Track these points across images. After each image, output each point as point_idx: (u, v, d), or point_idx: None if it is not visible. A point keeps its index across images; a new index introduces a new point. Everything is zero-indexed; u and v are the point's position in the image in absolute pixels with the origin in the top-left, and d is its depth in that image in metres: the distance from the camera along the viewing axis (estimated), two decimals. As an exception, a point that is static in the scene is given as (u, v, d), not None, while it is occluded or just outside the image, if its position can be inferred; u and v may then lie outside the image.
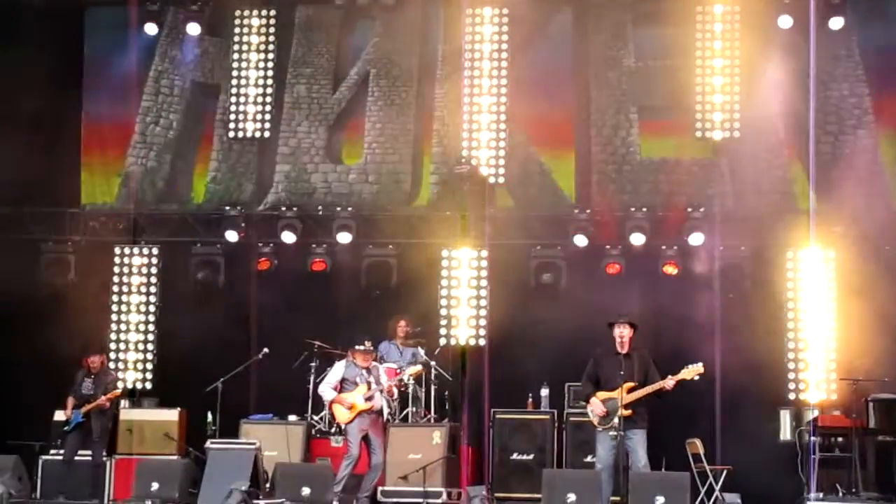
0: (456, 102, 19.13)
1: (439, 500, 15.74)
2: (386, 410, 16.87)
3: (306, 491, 14.97)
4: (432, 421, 17.07)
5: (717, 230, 18.40)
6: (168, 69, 19.94)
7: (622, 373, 14.65)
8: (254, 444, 15.86)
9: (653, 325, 16.41)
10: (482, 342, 18.33)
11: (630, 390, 14.57)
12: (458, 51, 19.09)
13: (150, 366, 18.96)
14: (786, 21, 18.41)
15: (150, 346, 18.98)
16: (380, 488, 15.97)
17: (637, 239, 18.51)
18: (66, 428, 16.45)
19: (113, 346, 18.88)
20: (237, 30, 19.37)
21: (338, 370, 15.84)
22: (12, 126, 18.32)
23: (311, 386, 17.24)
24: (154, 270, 19.12)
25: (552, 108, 19.23)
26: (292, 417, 17.01)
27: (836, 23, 18.43)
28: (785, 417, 17.33)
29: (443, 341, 18.19)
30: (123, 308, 19.04)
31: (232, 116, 19.35)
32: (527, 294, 18.64)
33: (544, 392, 17.27)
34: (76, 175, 19.70)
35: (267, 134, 19.37)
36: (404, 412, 17.19)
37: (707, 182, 18.92)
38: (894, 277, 17.43)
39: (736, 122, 18.32)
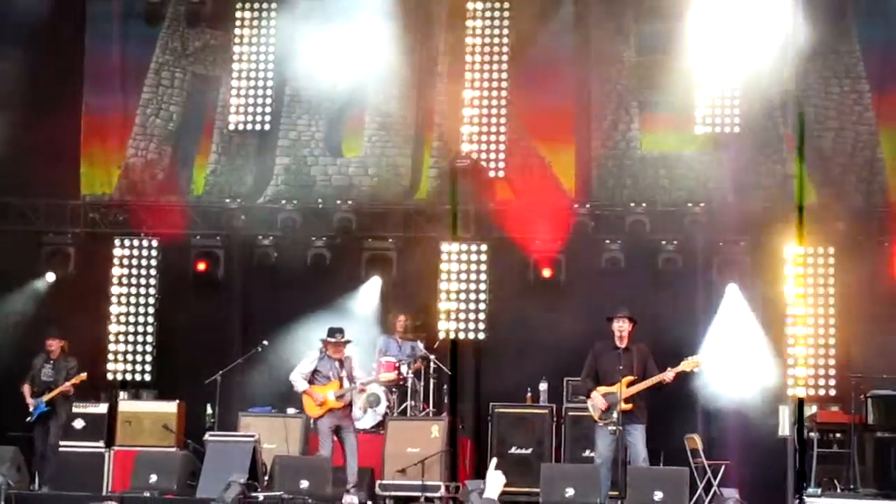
0: (456, 96, 19.12)
1: (437, 494, 15.73)
2: (384, 404, 16.89)
3: (305, 484, 14.96)
4: (431, 415, 17.07)
5: (716, 224, 18.40)
6: (169, 61, 19.93)
7: (621, 367, 14.66)
8: (252, 436, 15.85)
9: (652, 319, 16.40)
10: (481, 336, 18.34)
11: (630, 384, 14.59)
12: (460, 44, 19.08)
13: (148, 358, 18.95)
14: (785, 16, 18.37)
15: (149, 338, 18.97)
16: (378, 481, 15.98)
17: (637, 233, 18.50)
18: (29, 419, 16.41)
19: (112, 337, 18.88)
20: (238, 22, 19.35)
21: (311, 361, 15.86)
22: (12, 117, 18.32)
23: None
24: (153, 262, 19.12)
25: (553, 101, 19.22)
26: (291, 410, 16.99)
27: (837, 18, 18.40)
28: (784, 413, 17.33)
29: (442, 335, 18.20)
30: (122, 300, 19.04)
31: (232, 109, 19.33)
32: (526, 288, 18.64)
33: (543, 386, 17.27)
34: (76, 166, 19.69)
35: (267, 126, 19.36)
36: (403, 406, 17.19)
37: (707, 177, 18.92)
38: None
39: (736, 116, 18.30)
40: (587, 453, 16.03)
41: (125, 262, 19.10)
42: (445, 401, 17.38)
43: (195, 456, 16.11)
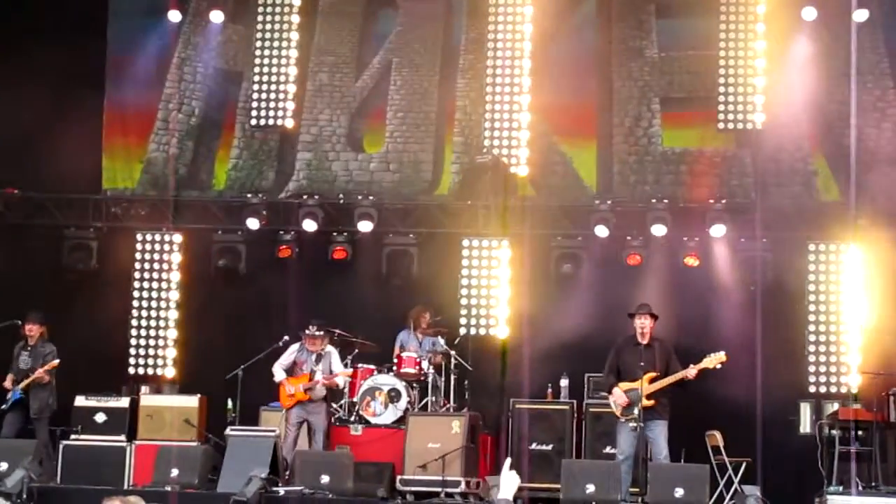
0: (478, 92, 19.12)
1: (458, 490, 15.73)
2: (405, 400, 16.89)
3: (325, 479, 14.98)
4: (451, 410, 17.08)
5: (738, 222, 18.35)
6: (191, 56, 19.95)
7: (643, 363, 14.68)
8: (273, 431, 15.90)
9: (673, 316, 16.38)
10: (502, 332, 18.34)
11: (652, 380, 14.57)
12: (481, 40, 19.08)
13: (170, 352, 19.01)
14: (810, 13, 18.34)
15: (170, 333, 19.02)
16: (399, 477, 16.00)
17: (658, 230, 18.47)
18: (3, 406, 16.43)
19: (134, 332, 18.94)
20: (260, 17, 19.35)
21: (291, 352, 16.08)
22: (35, 112, 18.36)
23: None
24: (175, 257, 19.16)
25: (574, 97, 19.20)
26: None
27: (861, 15, 18.35)
28: (805, 410, 17.30)
29: (463, 331, 18.20)
30: (144, 294, 19.09)
31: (254, 104, 19.35)
32: (547, 284, 18.63)
33: (564, 382, 17.27)
34: (98, 161, 19.73)
35: (289, 122, 19.37)
36: (424, 401, 17.20)
37: (729, 173, 18.88)
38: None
39: (759, 113, 18.26)
40: (608, 450, 16.03)
41: (147, 256, 19.15)
42: (466, 396, 17.38)
43: (216, 450, 16.14)
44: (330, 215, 19.25)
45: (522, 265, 18.49)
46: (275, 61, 19.30)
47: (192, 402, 17.48)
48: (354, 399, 17.07)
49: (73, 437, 17.07)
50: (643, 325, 14.97)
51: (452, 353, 17.39)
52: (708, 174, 18.96)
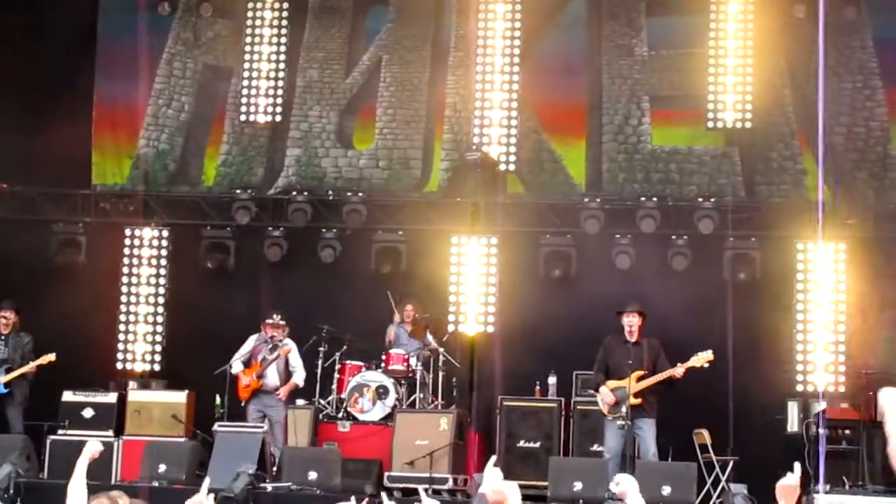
0: (468, 89, 19.13)
1: (445, 487, 15.74)
2: (393, 396, 16.89)
3: (313, 475, 14.98)
4: (440, 407, 17.08)
5: (727, 220, 18.37)
6: (181, 51, 19.94)
7: (631, 361, 14.68)
8: (261, 427, 15.90)
9: (661, 314, 16.39)
10: (491, 329, 18.34)
11: (639, 379, 14.58)
12: (471, 37, 19.07)
13: (158, 348, 18.99)
14: (800, 11, 18.37)
15: (159, 329, 19.01)
16: (387, 473, 16.00)
17: (647, 227, 18.48)
18: None
19: (122, 327, 18.92)
20: (250, 13, 19.33)
21: (248, 343, 16.19)
22: (24, 106, 18.33)
23: (318, 370, 17.27)
24: (164, 252, 19.14)
25: (564, 95, 19.22)
26: (300, 401, 17.02)
27: (850, 13, 18.38)
28: (793, 409, 17.31)
29: (451, 328, 18.20)
30: (133, 290, 19.06)
31: (244, 100, 19.33)
32: (536, 281, 18.63)
33: (552, 380, 17.27)
34: (87, 156, 19.71)
35: (278, 118, 19.36)
36: (412, 398, 17.20)
37: (718, 172, 18.90)
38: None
39: (748, 111, 18.27)
40: (596, 447, 16.03)
41: (135, 252, 19.13)
42: (454, 393, 17.39)
43: (204, 446, 16.13)
44: (319, 211, 19.23)
45: (511, 262, 18.49)
46: (264, 57, 19.28)
47: (179, 397, 17.47)
48: (343, 395, 17.07)
49: (60, 432, 17.05)
50: (631, 322, 14.98)
51: (441, 350, 17.39)
52: (697, 172, 18.98)
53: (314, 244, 19.11)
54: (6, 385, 16.40)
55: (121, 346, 18.86)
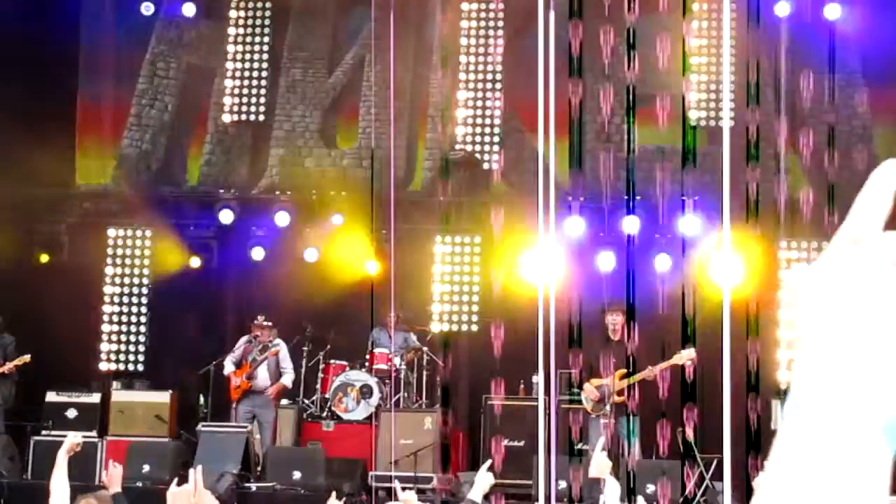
0: (451, 88, 19.14)
1: (430, 486, 15.74)
2: (377, 396, 16.89)
3: (297, 475, 14.97)
4: (423, 406, 17.08)
5: (710, 219, 18.38)
6: (164, 51, 19.91)
7: (614, 359, 14.69)
8: (245, 427, 15.89)
9: (645, 312, 16.40)
10: (474, 328, 18.34)
11: (623, 377, 14.60)
12: (454, 36, 19.08)
13: (142, 348, 18.97)
14: (783, 9, 18.42)
15: (142, 328, 18.99)
16: (370, 473, 15.99)
17: (631, 227, 18.49)
18: None
19: (105, 327, 18.89)
20: (233, 13, 19.34)
21: (240, 344, 16.23)
22: (7, 105, 18.29)
23: (303, 370, 17.27)
24: (147, 252, 19.12)
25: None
26: (284, 401, 17.01)
27: (833, 12, 18.44)
28: (777, 408, 17.34)
29: (435, 327, 18.20)
30: (116, 290, 19.04)
31: (227, 100, 19.34)
32: (518, 280, 18.61)
33: (536, 378, 17.26)
34: (71, 156, 19.67)
35: (262, 117, 19.36)
36: (396, 397, 17.20)
37: (701, 170, 18.92)
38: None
39: (731, 110, 18.29)
40: (581, 445, 16.03)
41: (119, 251, 19.11)
42: (438, 393, 17.39)
43: (188, 446, 16.12)
44: (302, 211, 19.22)
45: (493, 261, 18.49)
46: (247, 57, 19.28)
47: (163, 397, 17.45)
48: (326, 395, 17.07)
49: (43, 432, 17.01)
50: (615, 321, 15.00)
51: (424, 349, 17.39)
52: (680, 170, 18.99)
53: (297, 243, 19.10)
54: None
55: (104, 347, 18.84)
